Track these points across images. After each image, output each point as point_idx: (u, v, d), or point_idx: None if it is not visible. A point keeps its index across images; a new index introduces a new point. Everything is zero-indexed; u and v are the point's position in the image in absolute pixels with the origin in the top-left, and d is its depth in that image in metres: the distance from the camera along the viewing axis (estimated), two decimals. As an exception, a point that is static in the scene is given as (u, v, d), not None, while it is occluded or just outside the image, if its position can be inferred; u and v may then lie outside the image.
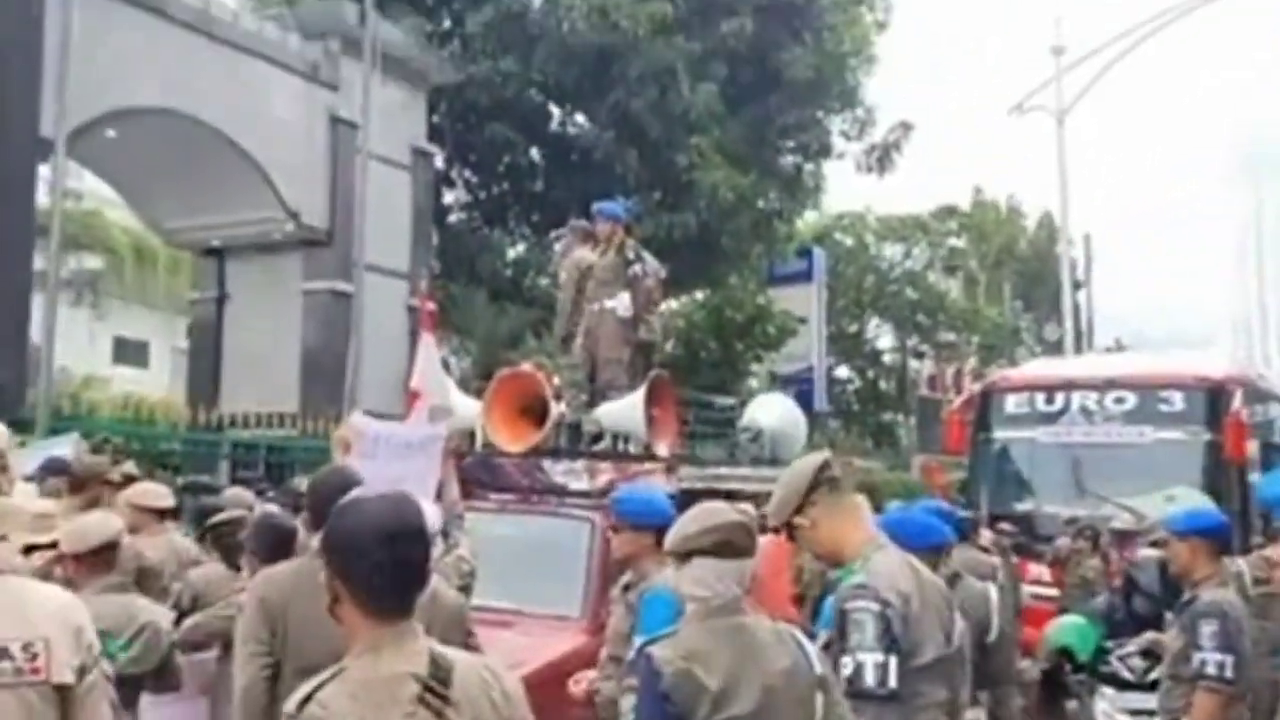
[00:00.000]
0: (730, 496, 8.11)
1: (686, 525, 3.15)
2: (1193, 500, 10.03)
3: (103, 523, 4.67)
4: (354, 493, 2.51)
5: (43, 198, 13.78)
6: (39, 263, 13.72)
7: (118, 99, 14.45)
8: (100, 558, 4.48)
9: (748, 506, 3.78)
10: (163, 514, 6.76)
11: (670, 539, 3.20)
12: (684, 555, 3.11)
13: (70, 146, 13.13)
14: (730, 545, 3.06)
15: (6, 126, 12.66)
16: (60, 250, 13.88)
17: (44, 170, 13.44)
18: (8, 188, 12.72)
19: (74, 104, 12.64)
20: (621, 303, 8.62)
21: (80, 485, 6.82)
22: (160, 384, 28.46)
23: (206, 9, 15.82)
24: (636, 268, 8.72)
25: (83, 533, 4.53)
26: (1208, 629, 4.82)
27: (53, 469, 7.25)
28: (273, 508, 8.02)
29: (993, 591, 5.41)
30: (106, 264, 28.57)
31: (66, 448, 7.88)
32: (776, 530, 3.61)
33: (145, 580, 5.22)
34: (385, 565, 2.28)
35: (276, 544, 5.12)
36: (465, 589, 5.16)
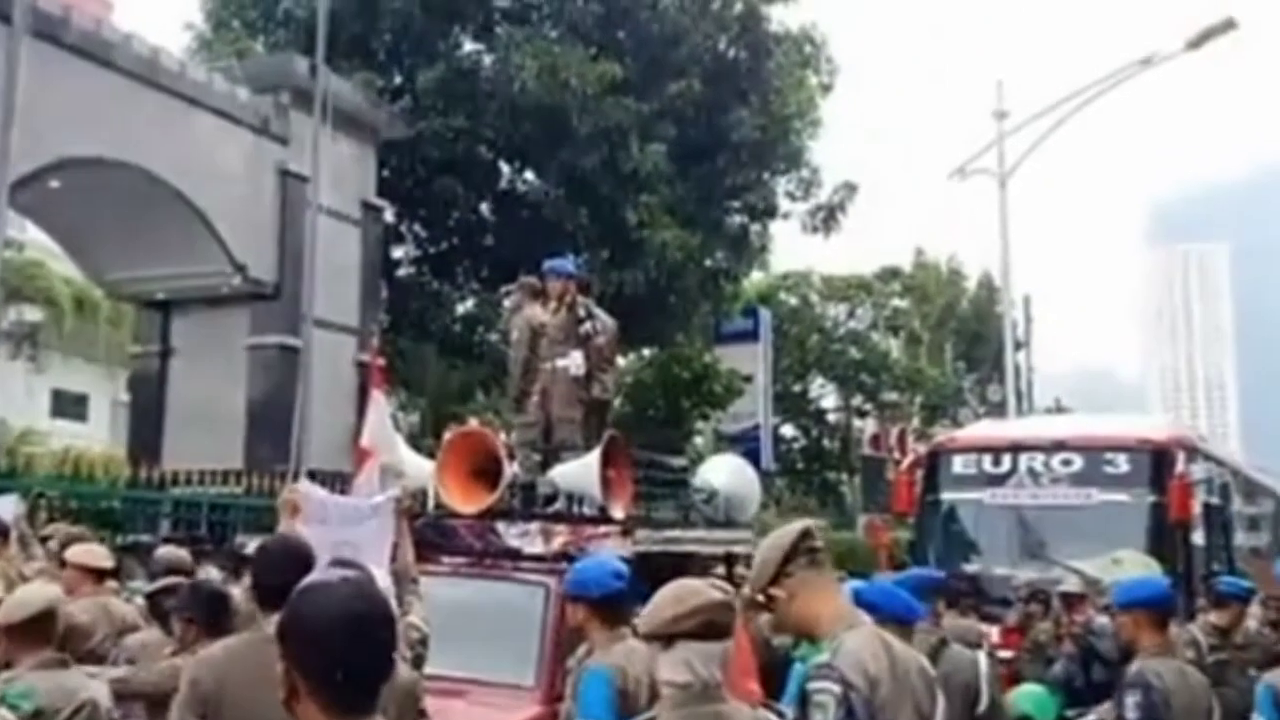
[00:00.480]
0: (686, 559, 8.08)
1: (665, 607, 2.99)
2: (1138, 562, 10.12)
3: (39, 591, 4.50)
4: (315, 575, 2.36)
5: (-17, 248, 13.50)
6: (-24, 314, 13.46)
7: (62, 149, 14.23)
8: (38, 627, 4.27)
9: (725, 584, 3.71)
10: (101, 575, 6.62)
11: (649, 621, 3.03)
12: (667, 639, 2.94)
13: (12, 196, 12.86)
14: (713, 626, 2.93)
15: (-53, 176, 12.47)
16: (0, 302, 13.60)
17: (-15, 220, 13.18)
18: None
19: (17, 154, 12.34)
20: (574, 361, 8.54)
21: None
22: (100, 438, 27.98)
23: (155, 59, 15.66)
24: (588, 325, 8.64)
25: (21, 601, 4.34)
26: (1130, 699, 4.81)
27: (-13, 531, 7.12)
28: (212, 570, 7.88)
29: (982, 659, 5.32)
30: (47, 316, 28.14)
31: (6, 510, 7.68)
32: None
33: (71, 641, 5.07)
34: (350, 660, 2.08)
35: (213, 611, 5.02)
36: (418, 660, 5.04)
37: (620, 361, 22.07)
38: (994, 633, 10.37)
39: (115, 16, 17.92)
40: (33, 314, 27.54)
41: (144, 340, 18.48)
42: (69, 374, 30.83)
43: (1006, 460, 11.65)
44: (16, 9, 12.25)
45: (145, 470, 13.76)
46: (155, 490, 13.55)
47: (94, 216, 16.43)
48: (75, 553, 6.65)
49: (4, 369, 17.82)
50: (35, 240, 23.75)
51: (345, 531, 6.19)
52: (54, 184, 14.79)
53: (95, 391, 31.38)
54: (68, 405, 31.04)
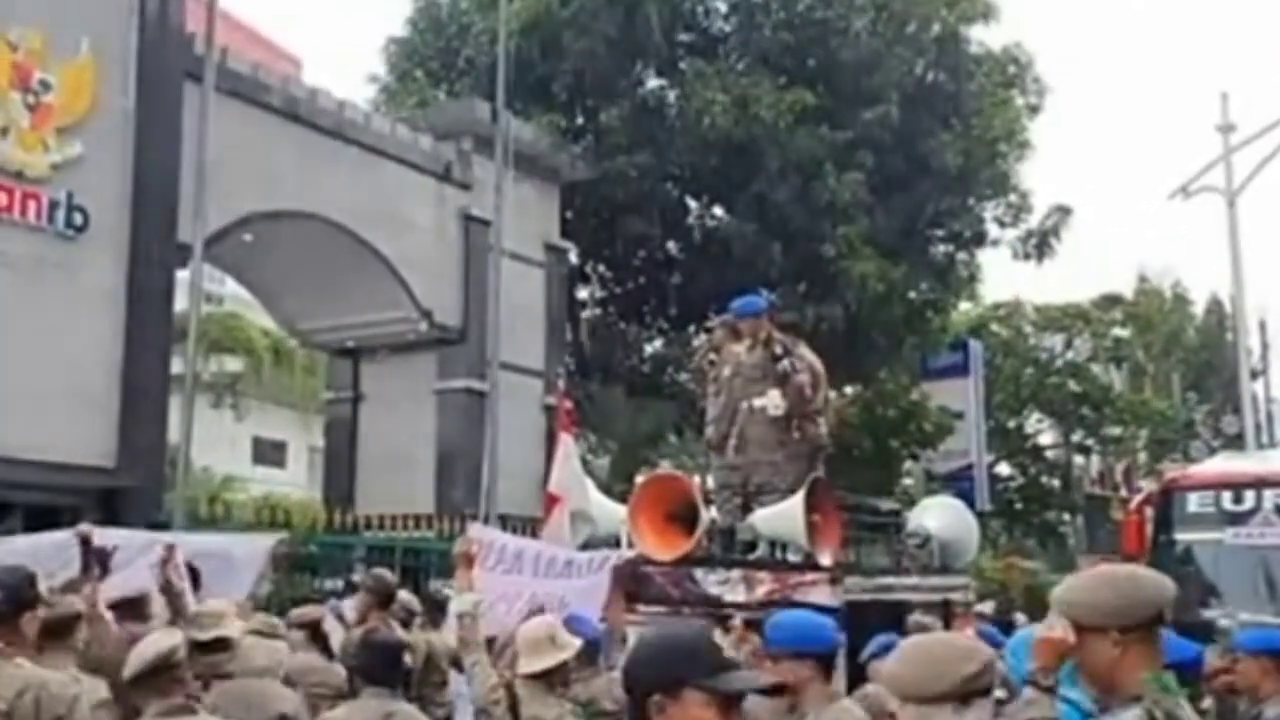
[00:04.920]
0: (898, 608, 7.37)
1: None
2: None
3: (156, 640, 4.27)
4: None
5: (185, 302, 13.78)
6: (178, 366, 13.67)
7: (254, 203, 14.50)
8: (155, 676, 4.12)
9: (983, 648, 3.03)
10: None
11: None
12: (961, 698, 2.53)
13: (208, 251, 13.04)
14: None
15: (145, 233, 12.80)
16: (199, 353, 13.87)
17: (186, 275, 13.40)
18: (147, 293, 12.84)
19: (211, 209, 12.57)
20: (771, 401, 8.09)
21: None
22: (298, 483, 28.67)
23: (340, 113, 15.93)
24: (785, 363, 8.09)
25: (139, 652, 4.18)
26: None
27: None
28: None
29: None
30: (246, 365, 29.03)
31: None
32: None
33: None
34: None
35: (382, 665, 4.72)
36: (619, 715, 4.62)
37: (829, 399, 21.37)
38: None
39: (303, 73, 18.31)
40: (233, 364, 28.57)
41: (335, 387, 18.75)
42: (268, 421, 31.90)
43: (1250, 497, 10.51)
44: (206, 69, 12.45)
45: (339, 515, 13.98)
46: (349, 535, 13.67)
47: (285, 268, 16.73)
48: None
49: (207, 418, 18.35)
50: (233, 293, 24.48)
51: (548, 584, 5.90)
52: (247, 238, 15.05)
53: (293, 438, 32.35)
54: (267, 452, 32.16)
